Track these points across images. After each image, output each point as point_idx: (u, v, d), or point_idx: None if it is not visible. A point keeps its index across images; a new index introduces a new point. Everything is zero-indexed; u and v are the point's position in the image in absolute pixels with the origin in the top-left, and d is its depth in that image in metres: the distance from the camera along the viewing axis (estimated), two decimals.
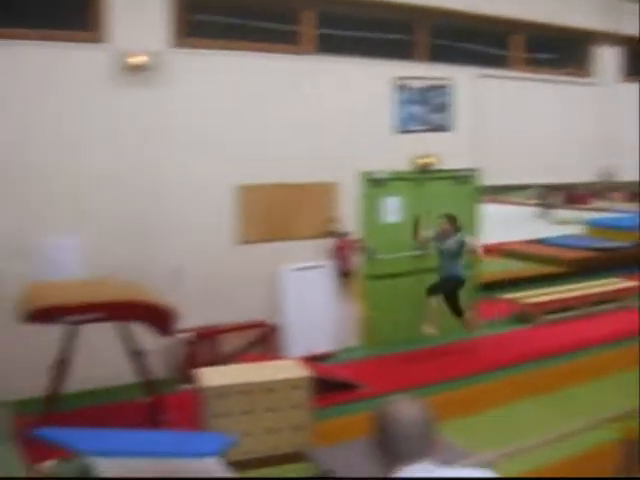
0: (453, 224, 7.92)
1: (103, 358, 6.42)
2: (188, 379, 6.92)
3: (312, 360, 7.06)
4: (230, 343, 7.36)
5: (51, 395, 5.71)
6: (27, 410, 5.92)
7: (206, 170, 7.42)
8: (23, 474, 4.71)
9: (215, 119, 7.50)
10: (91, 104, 6.91)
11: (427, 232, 8.20)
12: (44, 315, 5.43)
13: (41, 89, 6.75)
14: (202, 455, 4.46)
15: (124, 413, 6.11)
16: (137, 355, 5.97)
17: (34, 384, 5.92)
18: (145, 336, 6.04)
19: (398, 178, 8.56)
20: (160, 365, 6.90)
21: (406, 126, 8.59)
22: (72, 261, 6.59)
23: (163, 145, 7.24)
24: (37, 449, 5.00)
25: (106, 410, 6.28)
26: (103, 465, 4.11)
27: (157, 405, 6.05)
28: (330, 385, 6.54)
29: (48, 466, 5.23)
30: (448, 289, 8.04)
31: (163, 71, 7.15)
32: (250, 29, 7.82)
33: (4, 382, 6.14)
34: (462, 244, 7.85)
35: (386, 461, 2.31)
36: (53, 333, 5.69)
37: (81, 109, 6.88)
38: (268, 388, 5.36)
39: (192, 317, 6.72)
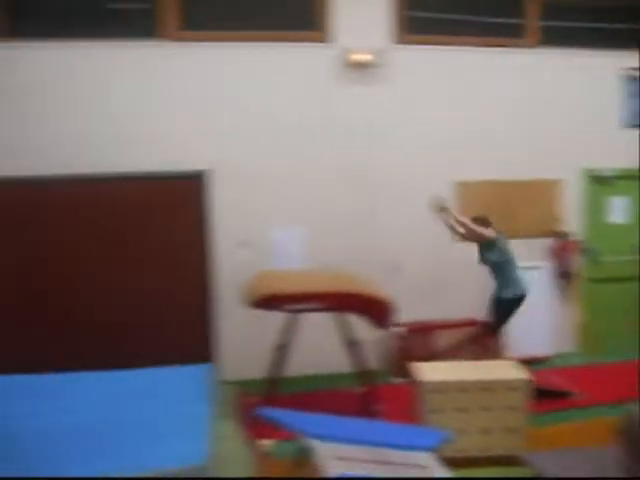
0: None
1: (320, 346, 6.67)
2: (400, 372, 6.98)
3: (526, 363, 6.83)
4: (443, 340, 7.34)
5: (272, 378, 6.01)
6: (250, 390, 6.28)
7: (425, 166, 7.45)
8: (247, 450, 4.95)
9: (434, 115, 7.49)
10: (318, 102, 7.19)
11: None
12: (268, 302, 5.73)
13: (271, 88, 7.13)
14: (417, 449, 4.46)
15: (338, 400, 6.28)
16: (353, 345, 6.12)
17: (257, 366, 6.30)
18: (360, 327, 6.19)
19: (626, 176, 8.04)
20: (373, 357, 7.02)
21: (637, 120, 8.04)
22: (296, 252, 6.89)
23: (384, 141, 7.36)
24: (257, 427, 5.28)
25: (321, 396, 6.51)
26: (320, 449, 4.20)
27: (371, 395, 6.16)
28: (543, 390, 6.30)
29: (268, 445, 5.51)
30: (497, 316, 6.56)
31: (385, 68, 7.26)
32: (470, 23, 7.70)
33: (231, 363, 6.58)
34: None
35: (635, 469, 2.16)
36: (276, 319, 6.00)
37: (308, 107, 7.19)
38: (485, 387, 5.26)
39: (406, 311, 6.75)
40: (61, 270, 6.44)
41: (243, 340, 6.89)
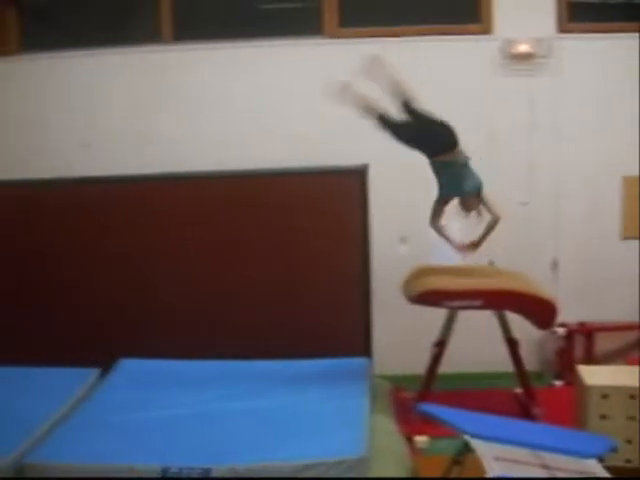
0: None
1: (477, 343, 6.60)
2: (560, 375, 6.79)
3: None
4: (606, 343, 7.05)
5: (429, 374, 6.00)
6: (403, 386, 6.31)
7: (591, 160, 7.16)
8: (403, 445, 4.97)
9: (599, 107, 7.15)
10: (478, 95, 7.09)
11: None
12: (428, 298, 5.70)
13: (429, 83, 7.04)
14: (581, 455, 4.30)
15: (495, 400, 6.18)
16: (512, 345, 6.00)
17: (411, 362, 6.35)
18: (521, 326, 6.05)
19: None
20: (531, 357, 6.87)
21: None
22: None
23: (546, 135, 7.15)
24: (410, 423, 5.34)
25: (477, 395, 6.43)
26: (481, 448, 4.15)
27: (529, 397, 6.02)
28: None
29: (422, 441, 5.52)
30: None
31: (549, 58, 7.03)
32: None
33: (386, 357, 6.61)
34: None
35: None
36: (431, 315, 5.97)
37: (468, 101, 7.05)
38: None
39: (566, 312, 6.52)
40: (219, 267, 6.63)
41: (398, 335, 6.92)
